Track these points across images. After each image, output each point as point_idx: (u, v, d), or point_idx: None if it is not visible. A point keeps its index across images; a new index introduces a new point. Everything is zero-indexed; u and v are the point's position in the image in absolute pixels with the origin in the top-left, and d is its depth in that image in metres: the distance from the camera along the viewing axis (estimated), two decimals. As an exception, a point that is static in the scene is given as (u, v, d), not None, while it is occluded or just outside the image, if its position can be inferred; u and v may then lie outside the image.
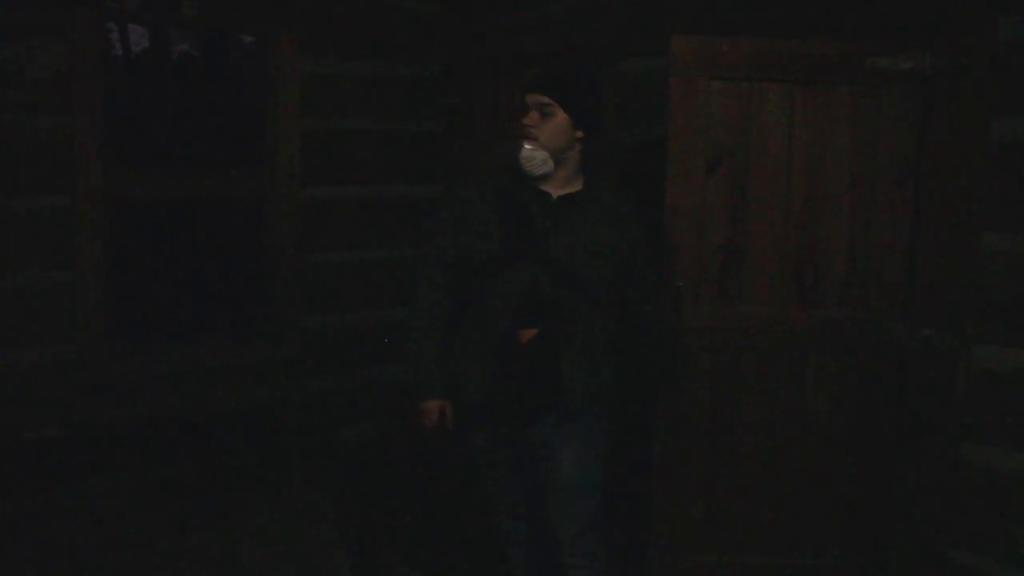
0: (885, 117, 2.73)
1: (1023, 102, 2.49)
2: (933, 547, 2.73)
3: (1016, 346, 2.53)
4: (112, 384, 3.67)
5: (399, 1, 4.26)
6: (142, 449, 3.75)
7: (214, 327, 5.09)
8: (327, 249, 4.19)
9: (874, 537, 2.87)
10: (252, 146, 4.28)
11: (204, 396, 3.90)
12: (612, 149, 3.51)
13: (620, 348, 2.53)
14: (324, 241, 4.17)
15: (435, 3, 4.35)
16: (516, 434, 2.53)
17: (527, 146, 2.39)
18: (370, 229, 4.31)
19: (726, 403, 2.96)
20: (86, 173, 3.51)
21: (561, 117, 2.40)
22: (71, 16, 3.43)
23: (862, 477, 2.88)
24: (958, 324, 2.64)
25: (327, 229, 4.17)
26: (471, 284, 2.48)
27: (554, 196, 2.44)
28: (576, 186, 2.47)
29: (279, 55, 3.96)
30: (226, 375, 3.96)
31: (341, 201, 4.21)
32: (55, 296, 3.51)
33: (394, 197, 4.36)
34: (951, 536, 2.70)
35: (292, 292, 4.09)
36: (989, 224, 2.57)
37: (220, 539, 3.41)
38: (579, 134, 2.43)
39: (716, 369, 2.95)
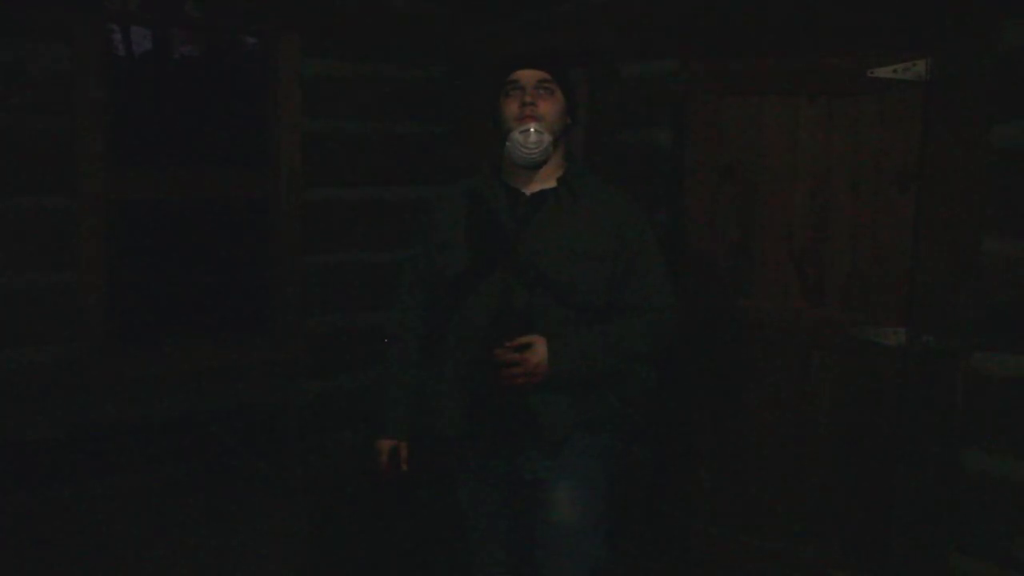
0: (887, 124, 2.75)
1: (1025, 108, 2.49)
2: (932, 552, 2.73)
3: (1017, 352, 2.53)
4: (112, 385, 3.67)
5: (402, 3, 4.26)
6: (142, 450, 3.75)
7: (215, 328, 5.09)
8: (329, 251, 4.19)
9: (873, 538, 2.87)
10: (254, 147, 4.28)
11: (204, 397, 3.90)
12: (614, 152, 3.52)
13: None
14: (326, 243, 4.17)
15: (438, 5, 4.35)
16: (502, 471, 2.22)
17: (533, 128, 2.10)
18: (372, 231, 4.31)
19: (731, 391, 3.12)
20: (87, 174, 3.52)
21: (559, 97, 2.16)
22: (73, 17, 3.43)
23: (862, 477, 2.89)
24: (958, 329, 2.64)
25: (329, 231, 4.17)
26: (445, 302, 2.21)
27: (526, 193, 2.17)
28: (551, 181, 2.18)
29: (281, 56, 3.96)
30: (226, 376, 3.96)
31: (343, 203, 4.21)
32: (56, 296, 3.51)
33: (397, 199, 4.36)
34: (950, 541, 2.70)
35: (293, 293, 4.10)
36: (990, 229, 2.57)
37: (219, 541, 3.41)
38: (568, 121, 2.21)
39: (724, 360, 3.13)
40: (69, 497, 3.58)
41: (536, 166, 2.15)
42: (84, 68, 3.47)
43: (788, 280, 2.99)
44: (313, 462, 4.15)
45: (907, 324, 2.75)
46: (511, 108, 2.14)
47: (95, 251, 3.56)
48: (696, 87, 3.11)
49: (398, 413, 2.31)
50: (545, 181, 2.18)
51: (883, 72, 2.71)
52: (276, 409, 4.09)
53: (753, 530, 3.11)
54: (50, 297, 3.50)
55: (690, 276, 3.16)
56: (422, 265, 2.29)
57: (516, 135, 2.11)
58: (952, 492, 2.68)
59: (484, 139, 4.20)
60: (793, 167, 2.95)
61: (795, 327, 2.98)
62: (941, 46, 2.62)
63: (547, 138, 2.10)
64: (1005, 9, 2.49)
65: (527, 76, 2.14)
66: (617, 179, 3.44)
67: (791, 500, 3.04)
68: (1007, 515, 2.57)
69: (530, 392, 2.08)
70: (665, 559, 3.26)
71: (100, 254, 3.58)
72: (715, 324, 3.13)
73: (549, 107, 2.13)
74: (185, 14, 3.81)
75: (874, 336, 2.80)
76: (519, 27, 3.95)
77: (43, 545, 3.33)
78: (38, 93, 3.41)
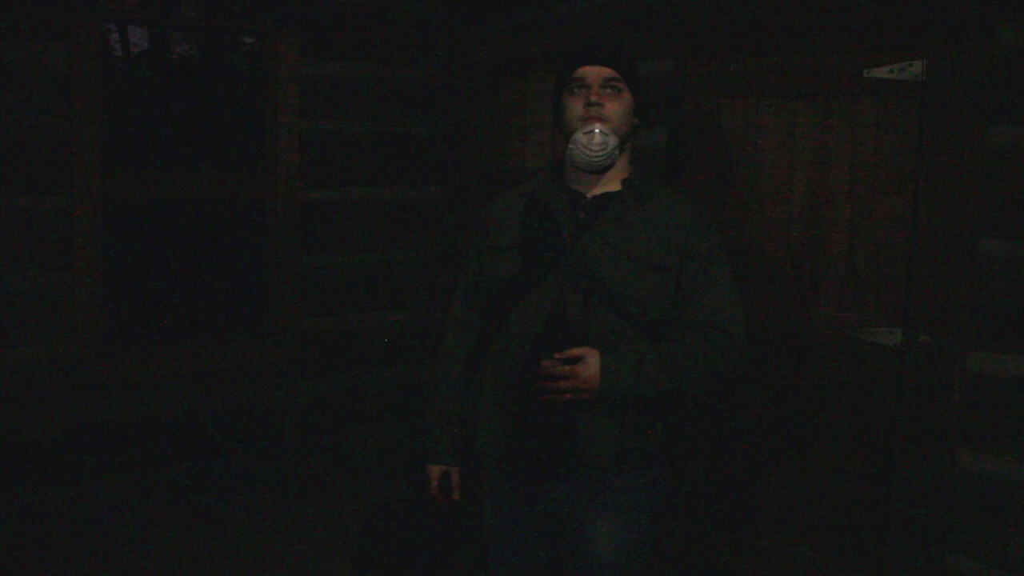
0: (883, 125, 2.76)
1: (1020, 108, 2.50)
2: (927, 551, 2.73)
3: (1013, 352, 2.54)
4: (109, 385, 3.67)
5: (399, 3, 4.27)
6: (139, 450, 3.75)
7: (212, 328, 5.09)
8: (326, 251, 4.19)
9: (870, 538, 2.88)
10: (251, 148, 4.28)
11: (201, 398, 3.90)
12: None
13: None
14: (323, 243, 4.17)
15: (436, 5, 4.36)
16: (536, 496, 2.04)
17: (598, 129, 1.94)
18: (369, 231, 4.31)
19: (729, 391, 3.09)
20: (84, 174, 3.52)
21: (627, 97, 2.00)
22: (71, 17, 3.43)
23: (859, 477, 2.90)
24: (955, 329, 2.65)
25: (326, 231, 4.18)
26: (494, 309, 2.05)
27: (588, 196, 2.02)
28: (614, 185, 2.03)
29: (279, 56, 3.96)
30: (224, 377, 3.96)
31: (340, 203, 4.21)
32: (53, 296, 3.51)
33: (393, 199, 4.37)
34: (945, 540, 2.71)
35: (290, 294, 4.10)
36: (986, 230, 2.57)
37: (217, 541, 3.41)
38: (635, 122, 2.05)
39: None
40: (69, 497, 3.59)
41: (599, 170, 2.00)
42: (81, 68, 3.47)
43: (785, 280, 3.00)
44: (311, 462, 4.15)
45: (904, 324, 2.75)
46: (575, 107, 1.98)
47: (93, 251, 3.56)
48: (693, 88, 3.12)
49: (449, 436, 2.15)
50: (608, 184, 2.03)
51: (880, 73, 2.73)
52: (275, 409, 4.09)
53: (752, 530, 3.12)
54: (49, 297, 3.50)
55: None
56: (473, 273, 2.14)
57: (579, 136, 1.95)
58: (949, 492, 2.69)
59: (483, 139, 4.20)
60: (790, 168, 2.96)
61: (790, 327, 2.98)
62: (938, 47, 2.63)
63: (612, 140, 1.95)
64: (1001, 10, 2.50)
65: (593, 74, 1.97)
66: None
67: (790, 500, 3.04)
68: (1003, 515, 2.58)
69: (576, 410, 1.91)
70: (664, 560, 3.26)
71: (98, 254, 3.58)
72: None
73: (616, 107, 1.97)
74: (183, 14, 3.80)
75: (871, 336, 2.81)
76: (518, 27, 3.96)
77: (43, 545, 3.33)
78: (35, 93, 3.41)
